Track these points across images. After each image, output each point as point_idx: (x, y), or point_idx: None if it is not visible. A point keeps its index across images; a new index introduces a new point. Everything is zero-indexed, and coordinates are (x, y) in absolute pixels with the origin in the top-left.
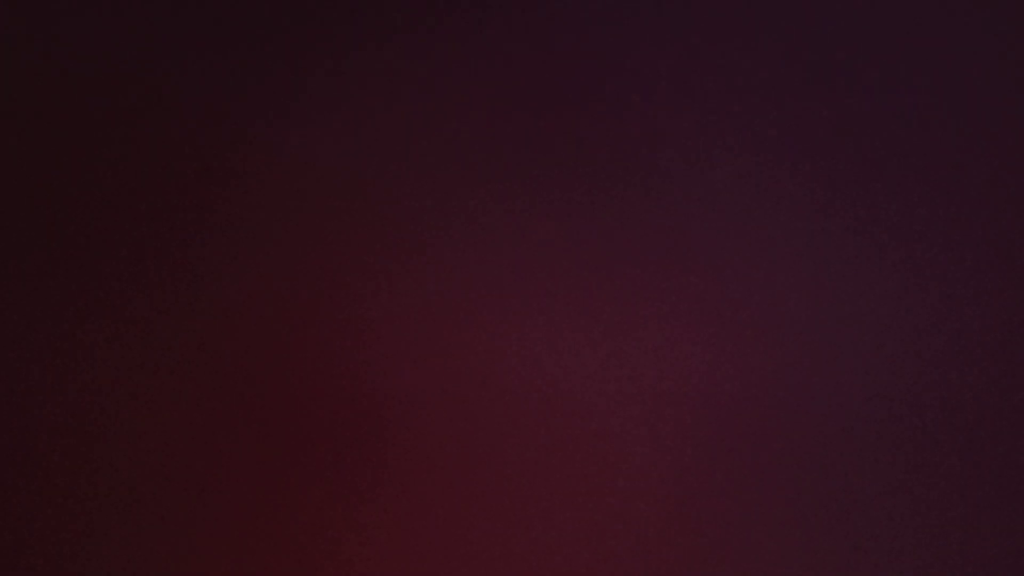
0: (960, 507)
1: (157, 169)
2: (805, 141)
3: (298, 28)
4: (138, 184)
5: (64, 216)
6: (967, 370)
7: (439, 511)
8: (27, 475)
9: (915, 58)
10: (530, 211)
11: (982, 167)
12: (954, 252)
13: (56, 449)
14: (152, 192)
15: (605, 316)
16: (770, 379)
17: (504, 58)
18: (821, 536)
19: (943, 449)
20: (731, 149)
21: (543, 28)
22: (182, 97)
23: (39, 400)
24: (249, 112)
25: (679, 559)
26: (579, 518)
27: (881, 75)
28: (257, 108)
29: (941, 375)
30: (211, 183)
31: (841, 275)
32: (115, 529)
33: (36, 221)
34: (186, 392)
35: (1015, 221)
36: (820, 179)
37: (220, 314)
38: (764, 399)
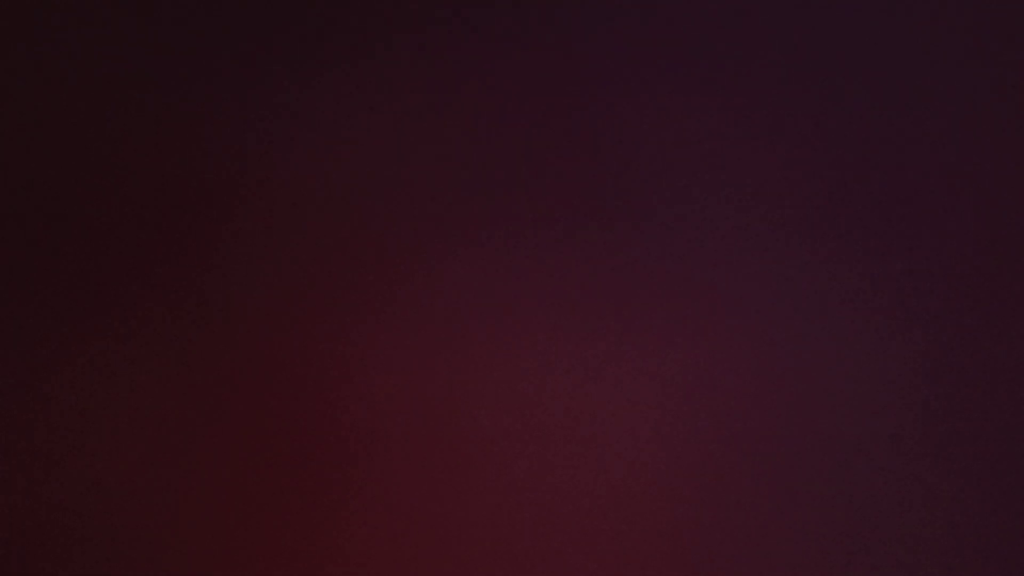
0: (960, 506)
1: (157, 177)
2: (804, 149)
3: (303, 40)
4: (137, 191)
5: (64, 221)
6: (966, 370)
7: (435, 519)
8: (25, 475)
9: (911, 66)
10: (527, 220)
11: (980, 171)
12: (952, 255)
13: (54, 449)
14: (150, 200)
15: (602, 325)
16: (769, 385)
17: (504, 69)
18: (820, 536)
19: (941, 448)
20: (731, 159)
21: (547, 41)
22: (184, 106)
23: (38, 403)
24: (248, 122)
25: (674, 564)
26: (575, 526)
27: (880, 83)
28: (256, 119)
29: (939, 376)
30: (210, 192)
31: (840, 282)
32: (107, 529)
33: (39, 226)
34: (180, 396)
35: (1014, 222)
36: (819, 187)
37: (216, 319)
38: (763, 405)
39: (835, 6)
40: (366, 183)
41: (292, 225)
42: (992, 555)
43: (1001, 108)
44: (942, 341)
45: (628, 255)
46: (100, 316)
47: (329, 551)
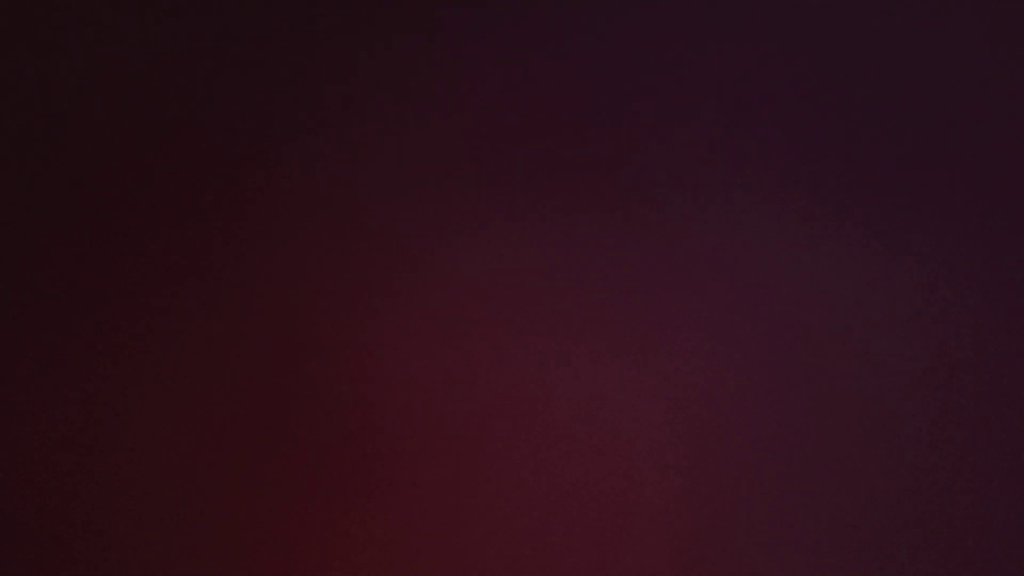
0: (960, 507)
1: (162, 174)
2: (809, 149)
3: (307, 38)
4: (143, 189)
5: (70, 220)
6: (966, 371)
7: (440, 516)
8: (27, 476)
9: (912, 64)
10: (534, 218)
11: (980, 170)
12: (954, 254)
13: (57, 449)
14: (157, 197)
15: (613, 319)
16: (774, 384)
17: (507, 65)
18: (825, 537)
19: (943, 449)
20: (736, 157)
21: (550, 36)
22: (187, 103)
23: (40, 402)
24: (252, 118)
25: (679, 564)
26: (581, 525)
27: (883, 84)
28: (260, 115)
29: (940, 376)
30: (215, 189)
31: (844, 281)
32: (112, 529)
33: (42, 225)
34: (188, 393)
35: (1014, 223)
36: (825, 186)
37: (223, 317)
38: (768, 404)
39: (838, 2)
40: (373, 177)
41: (300, 221)
42: (997, 556)
43: (1005, 104)
44: (953, 339)
45: (640, 249)
46: (108, 312)
47: (340, 546)
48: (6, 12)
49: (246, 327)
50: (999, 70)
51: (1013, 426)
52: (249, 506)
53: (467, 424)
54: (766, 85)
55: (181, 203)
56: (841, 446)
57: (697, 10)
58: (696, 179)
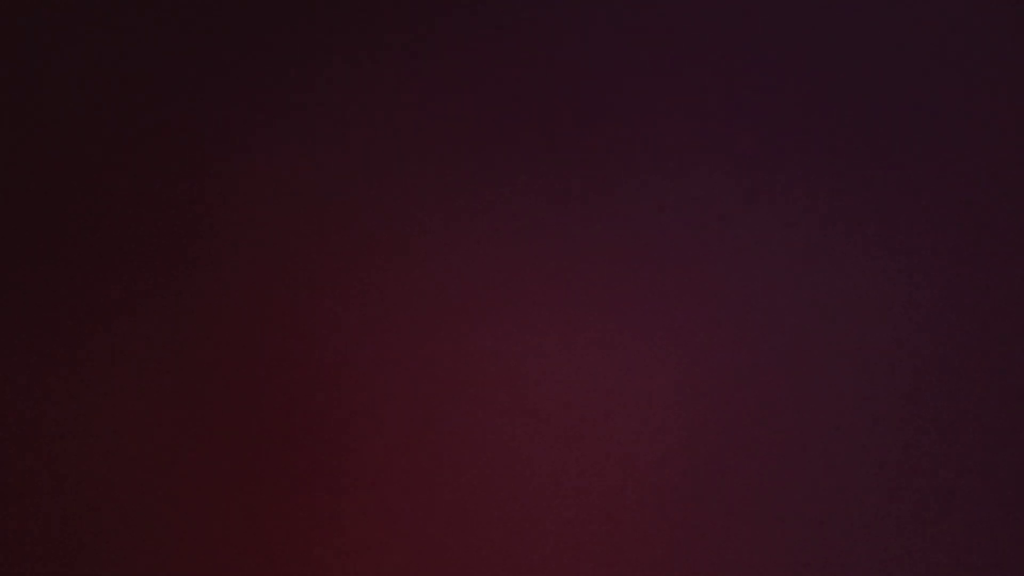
0: (957, 505)
1: (147, 172)
2: (794, 143)
3: (292, 33)
4: (128, 186)
5: (58, 220)
6: (960, 369)
7: (416, 512)
8: (21, 476)
9: (905, 61)
10: (512, 211)
11: (973, 168)
12: (945, 252)
13: (47, 449)
14: (142, 195)
15: (590, 320)
16: (759, 381)
17: (492, 63)
18: (815, 537)
19: (937, 448)
20: (719, 153)
21: (532, 33)
22: (175, 102)
23: (31, 404)
24: (238, 116)
25: (660, 559)
26: (561, 522)
27: (873, 79)
28: (245, 112)
29: (933, 375)
30: (199, 186)
31: (830, 278)
32: (99, 529)
33: (34, 225)
34: (163, 391)
35: (1006, 222)
36: (810, 181)
37: (205, 314)
38: (752, 402)
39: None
40: (357, 173)
41: (284, 219)
42: (995, 556)
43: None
44: (950, 337)
45: (622, 242)
46: (95, 313)
47: (325, 547)
48: (6, 12)
49: (222, 325)
50: (994, 65)
51: (1011, 424)
52: (224, 502)
53: (445, 418)
54: (754, 78)
55: (164, 201)
56: (829, 441)
57: (686, 7)
58: (681, 172)
